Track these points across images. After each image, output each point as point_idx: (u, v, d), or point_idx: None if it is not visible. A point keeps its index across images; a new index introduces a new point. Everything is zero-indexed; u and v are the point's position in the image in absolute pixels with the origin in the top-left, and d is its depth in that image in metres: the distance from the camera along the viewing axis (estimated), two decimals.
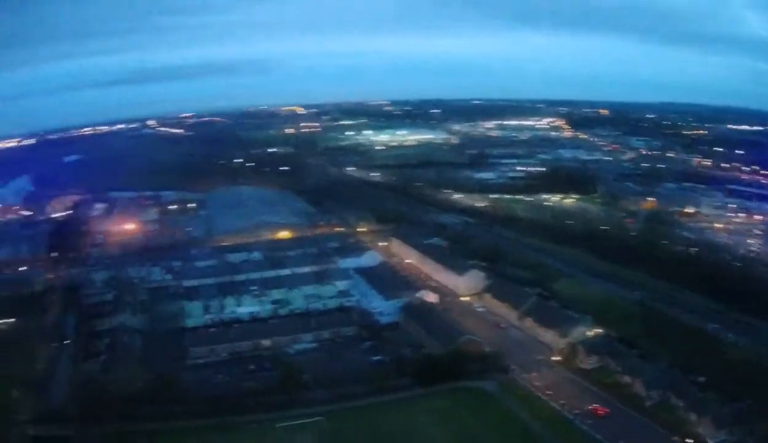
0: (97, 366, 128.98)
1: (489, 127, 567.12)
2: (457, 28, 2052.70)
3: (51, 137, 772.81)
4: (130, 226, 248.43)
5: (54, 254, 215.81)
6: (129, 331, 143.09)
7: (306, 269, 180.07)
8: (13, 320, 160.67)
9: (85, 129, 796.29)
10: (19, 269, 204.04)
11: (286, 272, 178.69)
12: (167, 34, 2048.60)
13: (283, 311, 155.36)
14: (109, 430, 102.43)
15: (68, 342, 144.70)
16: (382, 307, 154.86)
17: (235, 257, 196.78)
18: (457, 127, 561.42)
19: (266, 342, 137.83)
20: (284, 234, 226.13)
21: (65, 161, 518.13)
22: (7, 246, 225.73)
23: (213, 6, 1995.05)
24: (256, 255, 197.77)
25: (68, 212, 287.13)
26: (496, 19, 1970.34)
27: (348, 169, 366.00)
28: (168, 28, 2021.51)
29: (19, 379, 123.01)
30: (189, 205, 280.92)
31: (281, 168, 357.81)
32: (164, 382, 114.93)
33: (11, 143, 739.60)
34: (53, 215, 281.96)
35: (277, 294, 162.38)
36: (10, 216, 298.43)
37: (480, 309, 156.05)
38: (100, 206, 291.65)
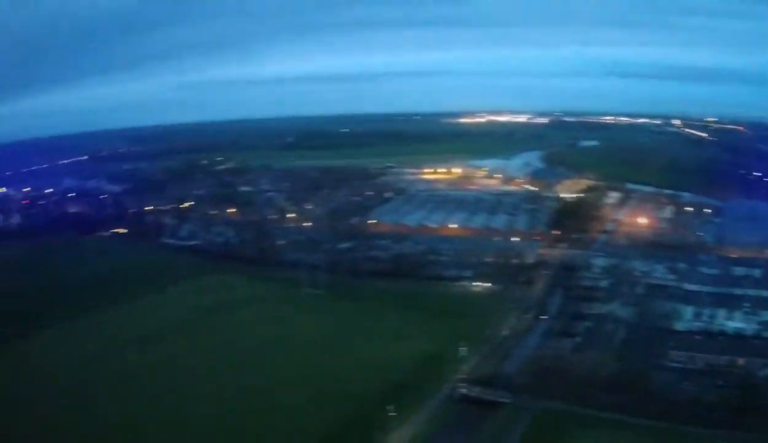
0: (569, 345, 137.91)
1: None
2: None
3: (567, 119, 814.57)
4: (642, 219, 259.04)
5: (555, 232, 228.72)
6: (615, 320, 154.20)
7: None
8: (494, 285, 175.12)
9: (606, 117, 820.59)
10: (512, 239, 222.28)
11: None
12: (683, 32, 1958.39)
13: (766, 334, 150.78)
14: (555, 407, 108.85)
15: (545, 317, 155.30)
16: None
17: (738, 271, 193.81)
18: None
19: (741, 361, 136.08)
20: None
21: (581, 145, 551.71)
22: (505, 216, 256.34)
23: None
24: (757, 272, 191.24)
25: (579, 195, 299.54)
26: None
27: None
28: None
29: (481, 340, 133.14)
30: (705, 210, 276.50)
31: None
32: (633, 377, 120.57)
33: (522, 118, 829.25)
34: (562, 195, 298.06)
35: (766, 316, 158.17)
36: (512, 188, 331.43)
37: None
38: (614, 195, 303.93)
